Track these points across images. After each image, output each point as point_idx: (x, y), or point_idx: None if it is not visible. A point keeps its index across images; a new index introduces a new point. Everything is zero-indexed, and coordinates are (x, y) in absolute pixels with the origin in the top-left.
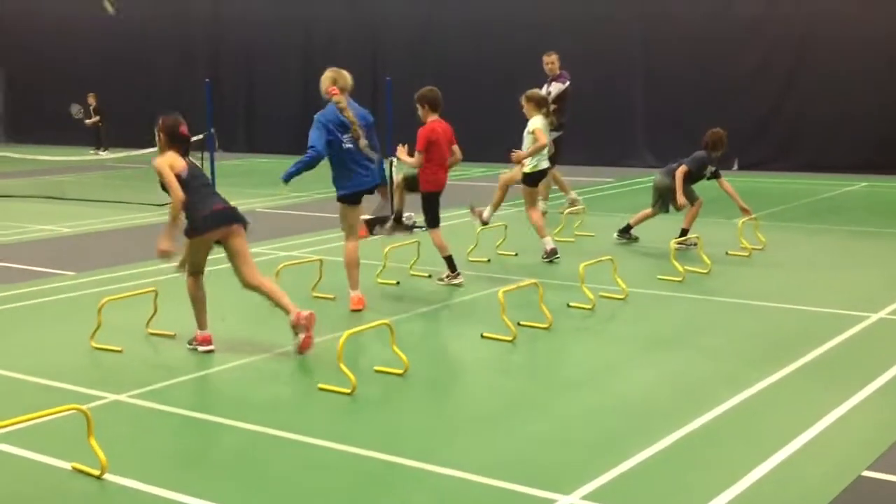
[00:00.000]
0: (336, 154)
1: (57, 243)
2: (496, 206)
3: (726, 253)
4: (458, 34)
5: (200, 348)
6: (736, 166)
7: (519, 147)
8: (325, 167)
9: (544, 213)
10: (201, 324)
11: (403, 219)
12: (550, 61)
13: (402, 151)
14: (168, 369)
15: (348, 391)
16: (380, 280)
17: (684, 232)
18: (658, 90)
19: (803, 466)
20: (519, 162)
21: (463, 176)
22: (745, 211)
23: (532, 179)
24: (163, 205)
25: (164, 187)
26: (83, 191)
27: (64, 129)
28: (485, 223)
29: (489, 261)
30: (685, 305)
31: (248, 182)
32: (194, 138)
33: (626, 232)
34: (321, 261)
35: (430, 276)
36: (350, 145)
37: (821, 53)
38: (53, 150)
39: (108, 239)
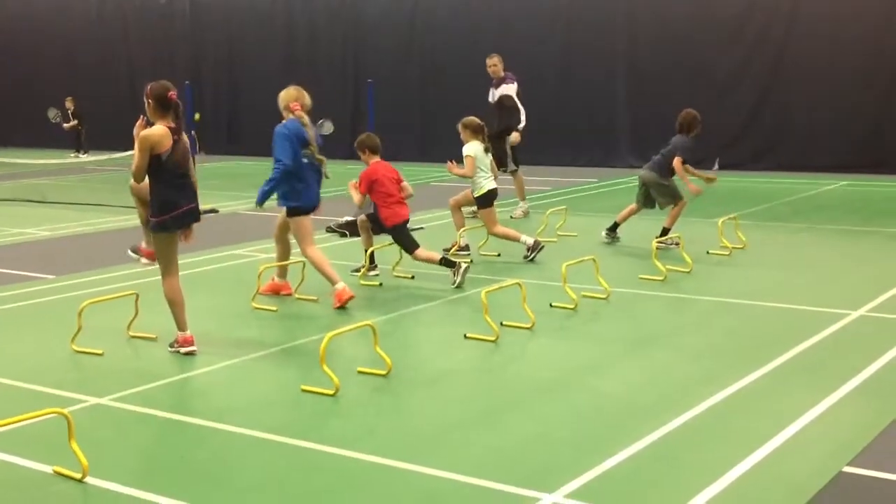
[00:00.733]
0: (294, 168)
1: (36, 247)
2: (459, 228)
3: (707, 252)
4: (442, 35)
5: (182, 350)
6: (717, 166)
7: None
8: None
9: (526, 214)
10: (181, 325)
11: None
12: (493, 64)
13: (352, 187)
14: (149, 372)
15: (332, 392)
16: (363, 281)
17: (665, 231)
18: (641, 91)
19: (785, 463)
20: (451, 172)
21: (446, 178)
22: (709, 179)
23: (484, 200)
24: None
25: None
26: (63, 194)
27: (43, 133)
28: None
29: (472, 261)
30: (667, 304)
31: (230, 185)
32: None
33: (613, 230)
34: (304, 263)
35: (412, 278)
36: (306, 160)
37: (801, 54)
38: (33, 154)
39: (88, 242)
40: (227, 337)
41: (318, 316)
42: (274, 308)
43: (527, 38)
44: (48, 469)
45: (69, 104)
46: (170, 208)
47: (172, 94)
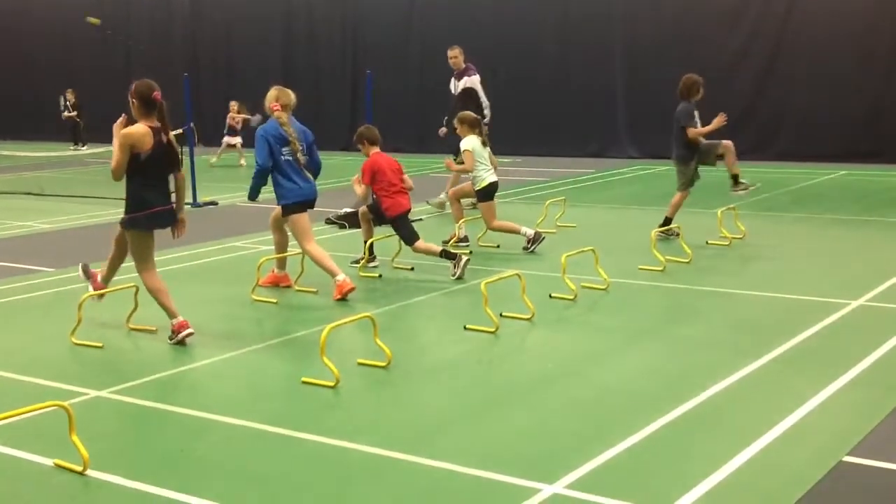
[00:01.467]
0: (277, 167)
1: (35, 239)
2: (458, 220)
3: (706, 242)
4: (440, 25)
5: (182, 334)
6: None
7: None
8: None
9: (442, 205)
10: (171, 313)
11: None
12: (454, 55)
13: (355, 182)
14: (150, 364)
15: (332, 384)
16: (362, 273)
17: (667, 220)
18: (639, 81)
19: (785, 453)
20: (448, 168)
21: (445, 170)
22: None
23: (484, 194)
24: None
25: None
26: (62, 187)
27: (41, 125)
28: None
29: (471, 252)
30: (666, 295)
31: (228, 176)
32: (173, 133)
33: (666, 225)
34: (303, 255)
35: (412, 269)
36: (289, 157)
37: (798, 44)
38: (31, 146)
39: (87, 235)
40: (227, 329)
41: (318, 307)
42: (274, 300)
43: (524, 28)
44: (49, 462)
45: (70, 96)
46: (143, 207)
47: (157, 94)
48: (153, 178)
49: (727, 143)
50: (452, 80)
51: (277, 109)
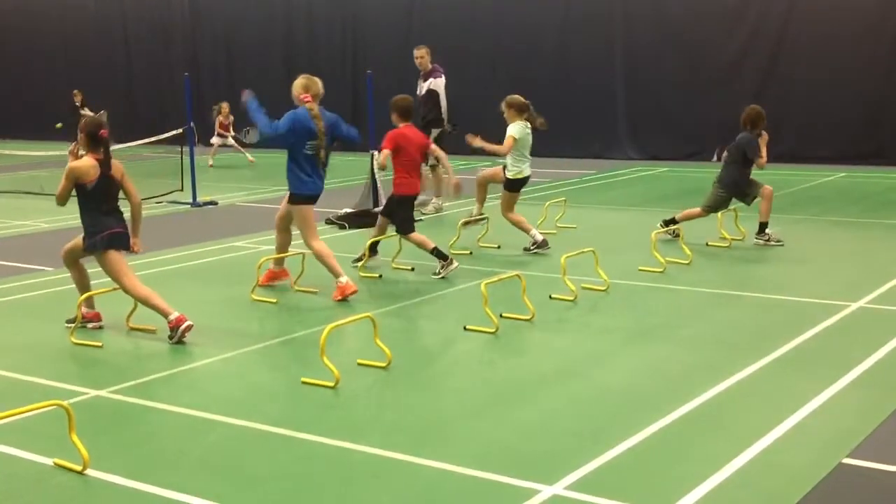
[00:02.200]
0: (295, 157)
1: (35, 239)
2: (481, 203)
3: (707, 244)
4: (440, 27)
5: (181, 328)
6: (716, 157)
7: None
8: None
9: (438, 210)
10: (165, 312)
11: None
12: (420, 56)
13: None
14: (149, 364)
15: (332, 385)
16: (362, 273)
17: (673, 220)
18: (639, 83)
19: (785, 454)
20: (471, 145)
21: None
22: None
23: (513, 185)
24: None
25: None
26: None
27: (41, 124)
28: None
29: (471, 253)
30: (666, 296)
31: (228, 176)
32: (173, 133)
33: (671, 223)
34: (303, 255)
35: (412, 269)
36: (311, 152)
37: (798, 46)
38: (31, 145)
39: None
40: (227, 329)
41: (318, 308)
42: (274, 300)
43: (524, 29)
44: (48, 461)
45: (77, 97)
46: (97, 230)
47: (104, 132)
48: (105, 204)
49: (769, 188)
50: (419, 80)
51: (308, 101)
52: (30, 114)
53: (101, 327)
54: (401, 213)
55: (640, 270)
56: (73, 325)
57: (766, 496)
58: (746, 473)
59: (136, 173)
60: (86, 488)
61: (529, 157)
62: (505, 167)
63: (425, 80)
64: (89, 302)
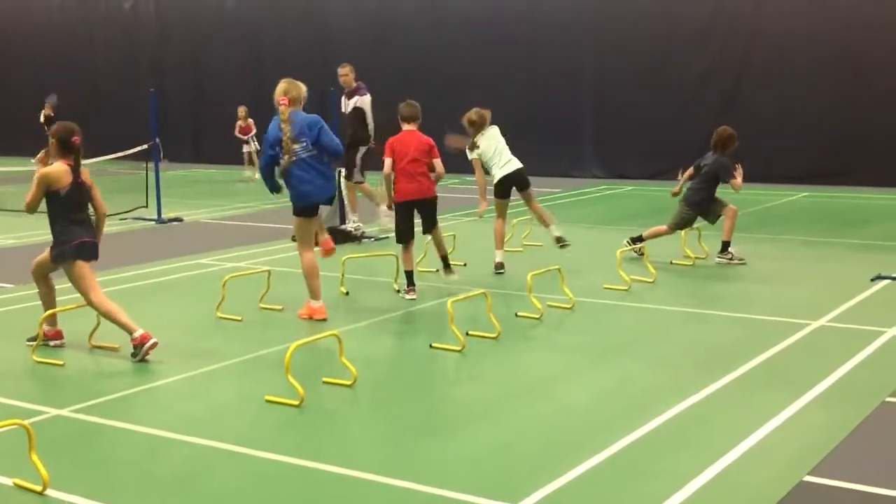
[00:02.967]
0: (282, 169)
1: None
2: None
3: (671, 262)
4: (409, 47)
5: (146, 346)
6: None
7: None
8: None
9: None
10: (130, 329)
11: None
12: (345, 73)
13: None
14: (111, 383)
15: (296, 403)
16: (342, 288)
17: (640, 238)
18: (605, 102)
19: (747, 472)
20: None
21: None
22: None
23: (494, 192)
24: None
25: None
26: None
27: (4, 139)
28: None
29: (437, 271)
30: (631, 314)
31: (193, 192)
32: (138, 149)
33: (637, 241)
34: (269, 272)
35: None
36: (293, 157)
37: (763, 66)
38: None
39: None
40: (191, 347)
41: (283, 326)
42: (238, 317)
43: (493, 46)
44: (8, 482)
45: (48, 111)
46: (67, 239)
47: (76, 138)
48: (75, 212)
49: (734, 208)
50: (343, 98)
51: (283, 104)
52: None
53: (62, 345)
54: (398, 222)
55: (606, 288)
56: (34, 343)
57: None
58: (710, 491)
59: (100, 189)
60: None
61: (503, 159)
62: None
63: (350, 98)
64: (52, 320)
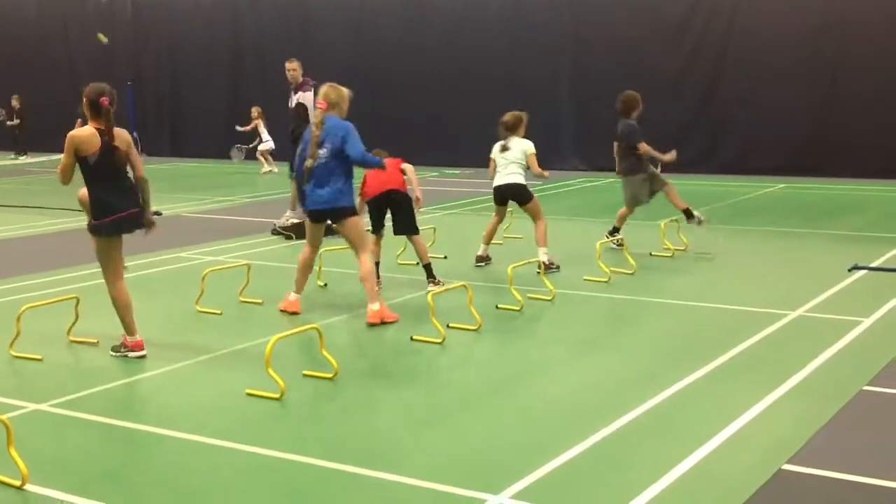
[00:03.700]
0: (306, 171)
1: None
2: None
3: (650, 254)
4: (391, 43)
5: (132, 355)
6: (659, 168)
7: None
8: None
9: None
10: (129, 329)
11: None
12: (292, 68)
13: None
14: (90, 377)
15: (277, 396)
16: (320, 282)
17: (616, 229)
18: (585, 94)
19: (725, 461)
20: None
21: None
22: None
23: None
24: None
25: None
26: (1, 196)
27: None
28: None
29: (418, 264)
30: (611, 306)
31: (172, 186)
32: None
33: (614, 233)
34: (248, 265)
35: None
36: (314, 162)
37: (741, 59)
38: None
39: (27, 245)
40: (171, 341)
41: (263, 319)
42: (218, 311)
43: (473, 40)
44: None
45: (15, 102)
46: (105, 212)
47: (104, 99)
48: (110, 181)
49: (670, 183)
50: (290, 93)
51: (321, 107)
52: None
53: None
54: (371, 216)
55: (586, 280)
56: (119, 353)
57: (707, 503)
58: (689, 480)
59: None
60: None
61: (503, 169)
62: None
63: (296, 93)
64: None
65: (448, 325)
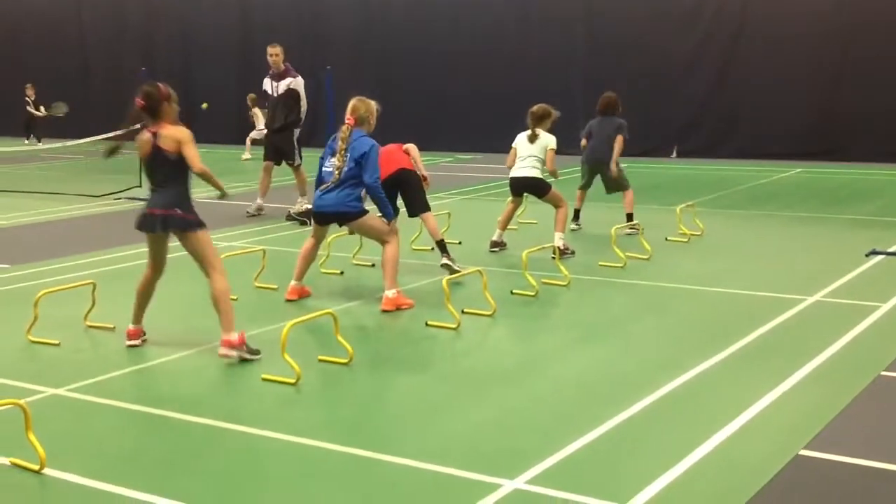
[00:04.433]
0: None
1: None
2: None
3: (666, 239)
4: (400, 25)
5: (129, 342)
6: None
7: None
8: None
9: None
10: (138, 318)
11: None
12: (275, 53)
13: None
14: (107, 362)
15: (292, 381)
16: (323, 270)
17: (630, 217)
18: (596, 81)
19: (743, 446)
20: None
21: None
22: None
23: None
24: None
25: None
26: (17, 182)
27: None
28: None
29: (433, 249)
30: (626, 291)
31: None
32: (130, 128)
33: (630, 220)
34: (264, 251)
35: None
36: (328, 169)
37: (753, 43)
38: None
39: (43, 231)
40: (187, 326)
41: (279, 304)
42: (234, 297)
43: (483, 28)
44: (5, 461)
45: (30, 91)
46: (144, 209)
47: (137, 98)
48: (153, 180)
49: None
50: (268, 79)
51: (349, 123)
52: None
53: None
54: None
55: (601, 265)
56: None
57: (723, 488)
58: (704, 466)
59: (92, 169)
60: (43, 488)
61: (521, 161)
62: None
63: (279, 80)
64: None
65: (463, 311)
